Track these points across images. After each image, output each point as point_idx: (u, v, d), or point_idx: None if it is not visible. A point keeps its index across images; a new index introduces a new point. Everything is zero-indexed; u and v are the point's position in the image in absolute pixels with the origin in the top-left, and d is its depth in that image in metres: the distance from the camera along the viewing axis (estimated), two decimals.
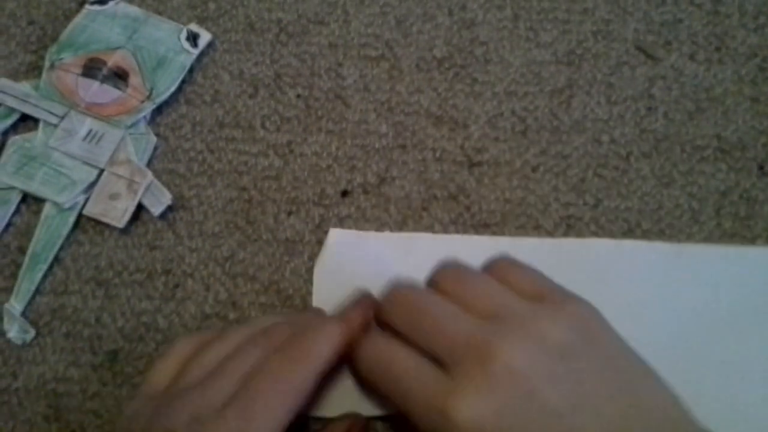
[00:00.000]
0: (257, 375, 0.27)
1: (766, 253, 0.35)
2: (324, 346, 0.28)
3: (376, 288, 0.30)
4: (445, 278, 0.29)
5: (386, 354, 0.28)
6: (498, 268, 0.29)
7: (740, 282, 0.34)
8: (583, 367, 0.25)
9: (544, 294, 0.28)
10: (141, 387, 0.29)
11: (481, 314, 0.27)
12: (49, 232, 0.36)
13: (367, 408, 0.31)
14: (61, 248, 0.36)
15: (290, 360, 0.27)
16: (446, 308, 0.27)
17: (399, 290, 0.29)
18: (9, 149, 0.37)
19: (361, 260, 0.35)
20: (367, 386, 0.31)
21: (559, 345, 0.26)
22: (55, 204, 0.36)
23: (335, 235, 0.35)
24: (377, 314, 0.30)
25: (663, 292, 0.34)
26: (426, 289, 0.29)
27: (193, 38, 0.40)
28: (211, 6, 0.41)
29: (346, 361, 0.30)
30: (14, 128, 0.38)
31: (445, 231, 0.36)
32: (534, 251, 0.33)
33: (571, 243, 0.35)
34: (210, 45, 0.40)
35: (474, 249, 0.32)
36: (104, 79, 0.38)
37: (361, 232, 0.36)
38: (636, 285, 0.34)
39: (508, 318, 0.26)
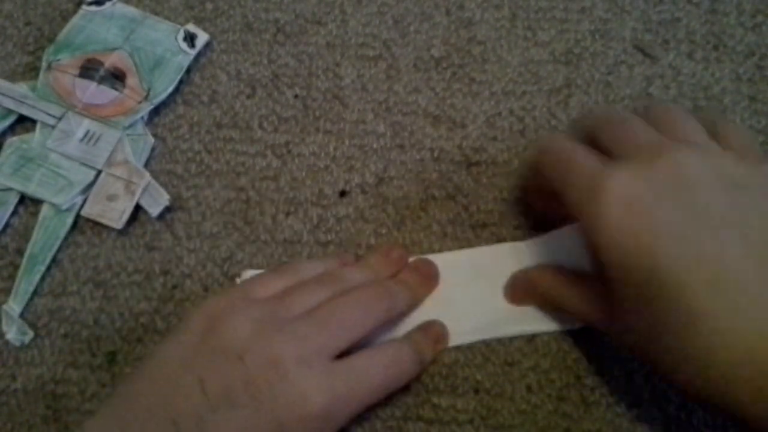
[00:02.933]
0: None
1: None
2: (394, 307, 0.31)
3: None
4: (658, 114, 0.30)
5: (562, 145, 0.29)
6: (704, 119, 0.30)
7: None
8: (748, 203, 0.25)
9: (734, 148, 0.28)
10: (233, 290, 0.31)
11: (672, 137, 0.28)
12: (47, 233, 0.36)
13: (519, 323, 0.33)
14: (59, 249, 0.36)
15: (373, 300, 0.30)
16: (641, 122, 0.29)
17: (610, 106, 0.32)
18: (6, 150, 0.37)
19: None
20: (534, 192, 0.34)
21: (734, 177, 0.26)
22: (53, 205, 0.36)
23: (248, 276, 0.35)
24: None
25: None
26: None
27: (190, 39, 0.40)
28: (208, 6, 0.41)
29: None
30: (11, 129, 0.38)
31: (443, 231, 0.36)
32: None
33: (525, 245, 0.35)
34: (207, 45, 0.40)
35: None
36: (101, 80, 0.38)
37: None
38: None
39: (695, 144, 0.27)
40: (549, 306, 0.33)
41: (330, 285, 0.31)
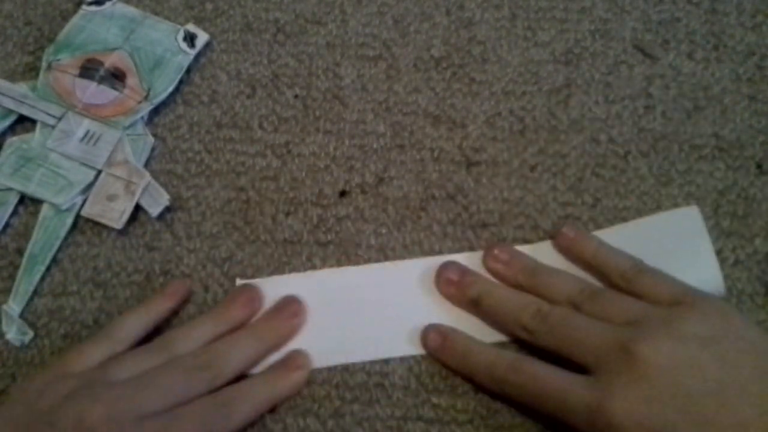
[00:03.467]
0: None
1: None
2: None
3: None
4: (584, 298, 0.31)
5: (534, 375, 0.30)
6: (634, 280, 0.31)
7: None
8: (725, 351, 0.27)
9: (678, 298, 0.30)
10: (53, 364, 0.30)
11: (620, 323, 0.29)
12: (47, 233, 0.36)
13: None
14: (59, 249, 0.36)
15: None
16: (589, 322, 0.30)
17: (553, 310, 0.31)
18: (6, 150, 0.37)
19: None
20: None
21: (698, 337, 0.28)
22: (53, 205, 0.36)
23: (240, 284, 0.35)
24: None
25: None
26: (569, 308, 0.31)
27: (190, 39, 0.40)
28: (208, 6, 0.41)
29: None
30: (11, 129, 0.38)
31: (444, 231, 0.36)
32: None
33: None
34: (207, 45, 0.40)
35: (389, 277, 0.34)
36: (101, 80, 0.38)
37: (265, 279, 0.35)
38: None
39: (646, 322, 0.29)
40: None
41: (156, 353, 0.31)
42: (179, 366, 0.30)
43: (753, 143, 0.37)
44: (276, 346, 0.33)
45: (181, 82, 0.39)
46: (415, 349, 0.33)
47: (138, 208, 0.36)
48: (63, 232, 0.36)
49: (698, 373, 0.27)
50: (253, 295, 0.34)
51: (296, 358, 0.32)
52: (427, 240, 0.36)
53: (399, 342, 0.33)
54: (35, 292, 0.35)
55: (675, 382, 0.27)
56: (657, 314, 0.29)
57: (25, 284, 0.35)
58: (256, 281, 0.35)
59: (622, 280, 0.31)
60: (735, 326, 0.28)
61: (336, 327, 0.34)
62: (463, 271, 0.34)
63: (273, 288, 0.34)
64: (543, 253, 0.34)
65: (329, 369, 0.33)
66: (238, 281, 0.35)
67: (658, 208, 0.36)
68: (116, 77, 0.38)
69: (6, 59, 0.40)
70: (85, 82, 0.38)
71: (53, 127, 0.37)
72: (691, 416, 0.26)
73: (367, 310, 0.34)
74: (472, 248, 0.35)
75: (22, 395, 0.29)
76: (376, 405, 0.32)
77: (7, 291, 0.35)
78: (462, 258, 0.35)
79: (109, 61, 0.39)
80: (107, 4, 0.40)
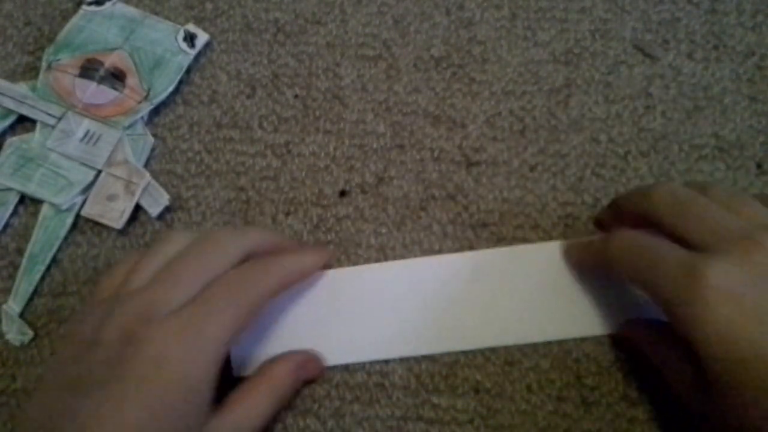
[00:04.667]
0: (216, 284, 0.28)
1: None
2: (277, 277, 0.30)
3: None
4: (718, 194, 0.29)
5: (640, 241, 0.28)
6: (721, 194, 0.29)
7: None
8: None
9: None
10: (89, 298, 0.30)
11: (748, 220, 0.27)
12: (47, 233, 0.36)
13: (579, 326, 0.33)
14: (59, 249, 0.36)
15: (252, 276, 0.29)
16: (712, 205, 0.28)
17: (666, 184, 0.29)
18: (6, 150, 0.37)
19: (288, 299, 0.34)
20: (617, 277, 0.31)
21: None
22: (53, 205, 0.36)
23: None
24: (631, 207, 0.30)
25: None
26: (648, 233, 0.29)
27: (190, 39, 0.40)
28: (208, 6, 0.41)
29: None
30: (11, 129, 0.38)
31: (444, 231, 0.36)
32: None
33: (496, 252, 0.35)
34: (207, 45, 0.40)
35: (389, 276, 0.34)
36: (101, 80, 0.38)
37: None
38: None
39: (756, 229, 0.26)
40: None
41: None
42: (195, 253, 0.29)
43: (753, 143, 0.37)
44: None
45: (181, 82, 0.39)
46: (415, 349, 0.33)
47: (138, 208, 0.36)
48: (63, 232, 0.36)
49: None
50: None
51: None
52: (427, 240, 0.36)
53: (399, 342, 0.33)
54: (35, 292, 0.35)
55: None
56: None
57: (25, 284, 0.35)
58: None
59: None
60: None
61: (340, 325, 0.33)
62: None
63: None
64: (547, 253, 0.34)
65: (329, 369, 0.33)
66: None
67: None
68: (116, 77, 0.38)
69: (6, 59, 0.40)
70: (85, 82, 0.38)
71: (53, 127, 0.37)
72: None
73: (368, 309, 0.34)
74: (472, 248, 0.35)
75: (69, 336, 0.29)
76: (376, 405, 0.32)
77: (7, 291, 0.35)
78: (462, 258, 0.35)
79: (109, 61, 0.39)
80: (107, 4, 0.40)
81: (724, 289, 0.25)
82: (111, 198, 0.36)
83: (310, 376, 0.33)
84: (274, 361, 0.32)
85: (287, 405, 0.32)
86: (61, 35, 0.39)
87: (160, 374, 0.26)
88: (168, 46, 0.39)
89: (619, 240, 0.30)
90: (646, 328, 0.31)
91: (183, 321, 0.27)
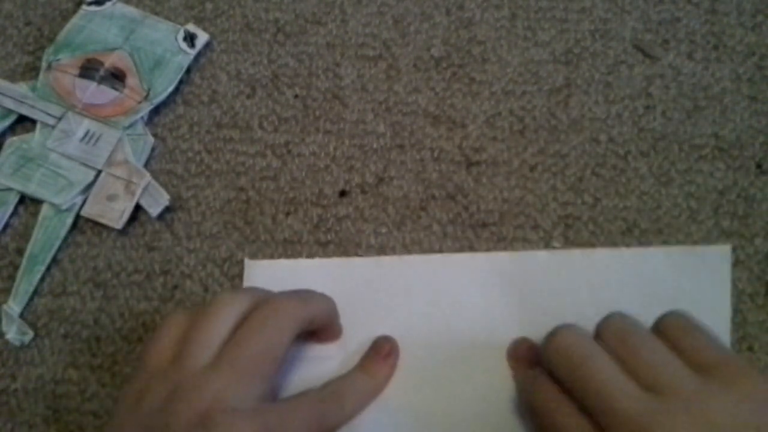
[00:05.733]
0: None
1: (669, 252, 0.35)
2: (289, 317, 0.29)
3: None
4: (612, 334, 0.28)
5: (551, 404, 0.27)
6: (671, 328, 0.28)
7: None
8: None
9: (718, 364, 0.26)
10: (140, 364, 0.29)
11: (645, 383, 0.26)
12: (47, 233, 0.36)
13: None
14: (59, 249, 0.36)
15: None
16: (609, 370, 0.26)
17: (563, 335, 0.28)
18: (6, 150, 0.37)
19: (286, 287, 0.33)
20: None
21: (729, 429, 0.24)
22: (53, 205, 0.36)
23: (252, 266, 0.35)
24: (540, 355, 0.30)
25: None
26: (589, 339, 0.28)
27: (190, 39, 0.40)
28: (208, 6, 0.41)
29: None
30: (11, 129, 0.38)
31: (444, 231, 0.36)
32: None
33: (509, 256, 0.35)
34: (207, 45, 0.40)
35: (404, 270, 0.34)
36: (101, 80, 0.38)
37: (276, 261, 0.35)
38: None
39: (674, 394, 0.25)
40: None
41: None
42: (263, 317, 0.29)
43: (753, 143, 0.37)
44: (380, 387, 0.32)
45: (181, 82, 0.39)
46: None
47: (138, 208, 0.36)
48: (63, 232, 0.36)
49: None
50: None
51: (384, 344, 0.33)
52: (427, 240, 0.36)
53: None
54: (35, 292, 0.35)
55: None
56: (688, 385, 0.25)
57: (25, 284, 0.35)
58: (266, 262, 0.35)
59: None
60: None
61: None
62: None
63: (282, 271, 0.35)
64: (558, 263, 0.34)
65: None
66: (247, 261, 0.35)
67: (658, 208, 0.36)
68: (116, 77, 0.38)
69: (6, 59, 0.40)
70: (85, 82, 0.38)
71: (53, 127, 0.37)
72: None
73: (374, 302, 0.34)
74: (472, 248, 0.35)
75: (123, 403, 0.28)
76: None
77: (7, 291, 0.35)
78: (462, 258, 0.35)
79: (109, 61, 0.39)
80: (107, 4, 0.40)
81: None
82: (111, 198, 0.36)
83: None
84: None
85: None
86: (61, 35, 0.39)
87: None
88: (168, 46, 0.39)
89: (534, 391, 0.29)
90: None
91: (259, 424, 0.26)
